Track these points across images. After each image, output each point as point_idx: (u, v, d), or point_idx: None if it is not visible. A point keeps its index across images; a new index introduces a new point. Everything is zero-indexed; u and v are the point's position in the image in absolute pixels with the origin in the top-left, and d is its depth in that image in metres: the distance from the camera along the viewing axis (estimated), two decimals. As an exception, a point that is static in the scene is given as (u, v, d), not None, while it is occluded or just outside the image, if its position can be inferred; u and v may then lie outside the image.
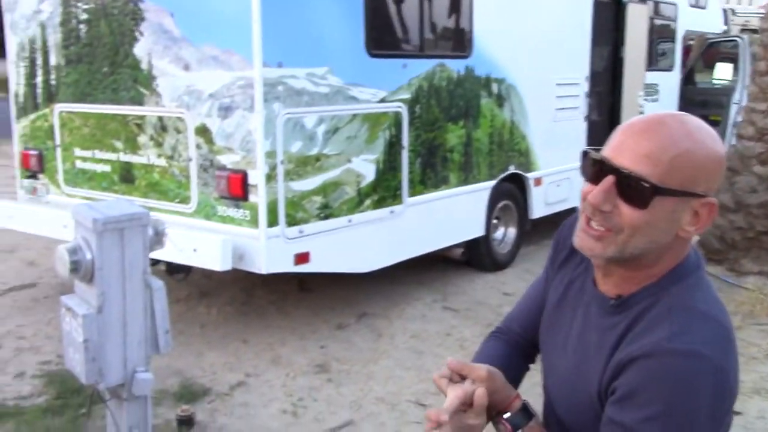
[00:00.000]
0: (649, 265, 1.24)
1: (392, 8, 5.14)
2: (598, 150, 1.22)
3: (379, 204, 5.08)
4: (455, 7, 5.65)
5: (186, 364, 4.59)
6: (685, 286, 1.22)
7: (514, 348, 1.60)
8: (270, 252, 4.40)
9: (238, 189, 4.40)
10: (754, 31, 10.35)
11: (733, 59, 9.41)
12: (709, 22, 9.91)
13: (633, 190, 1.16)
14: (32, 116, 5.62)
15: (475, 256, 6.32)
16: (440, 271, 6.34)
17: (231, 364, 4.61)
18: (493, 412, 1.38)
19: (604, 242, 1.21)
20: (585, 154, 1.24)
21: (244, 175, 4.37)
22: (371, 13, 4.88)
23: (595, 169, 1.21)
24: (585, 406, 1.27)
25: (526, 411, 1.39)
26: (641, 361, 1.14)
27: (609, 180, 1.18)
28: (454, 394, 1.32)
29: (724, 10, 11.75)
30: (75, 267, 2.59)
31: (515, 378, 1.55)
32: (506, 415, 1.38)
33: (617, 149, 1.19)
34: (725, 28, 11.16)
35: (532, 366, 1.63)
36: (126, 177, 5.06)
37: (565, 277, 1.44)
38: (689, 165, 1.16)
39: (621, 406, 1.16)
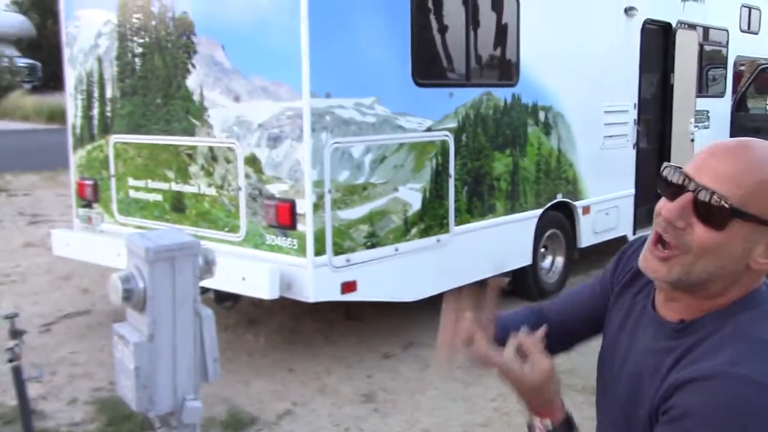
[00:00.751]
0: (715, 295, 1.19)
1: (438, 38, 5.18)
2: (679, 168, 1.19)
3: (425, 233, 5.08)
4: (501, 35, 5.66)
5: (233, 392, 4.62)
6: (754, 315, 1.18)
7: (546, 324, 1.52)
8: (317, 281, 4.43)
9: (286, 218, 4.45)
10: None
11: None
12: (762, 48, 9.75)
13: (711, 209, 1.12)
14: (88, 147, 5.79)
15: (522, 285, 6.25)
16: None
17: (278, 392, 4.62)
18: (531, 412, 1.31)
19: (669, 264, 1.17)
20: (665, 167, 1.20)
21: (292, 204, 4.42)
22: (418, 43, 4.93)
23: (674, 185, 1.17)
24: (632, 418, 1.24)
25: (569, 424, 1.30)
26: (699, 383, 1.10)
27: (687, 196, 1.14)
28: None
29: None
30: (127, 295, 2.64)
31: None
32: (546, 423, 1.29)
33: (699, 167, 1.15)
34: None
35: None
36: (177, 206, 5.16)
37: (625, 302, 1.41)
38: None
39: (672, 427, 1.12)
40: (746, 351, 1.12)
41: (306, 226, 4.38)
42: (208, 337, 3.04)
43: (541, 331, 1.33)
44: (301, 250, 4.42)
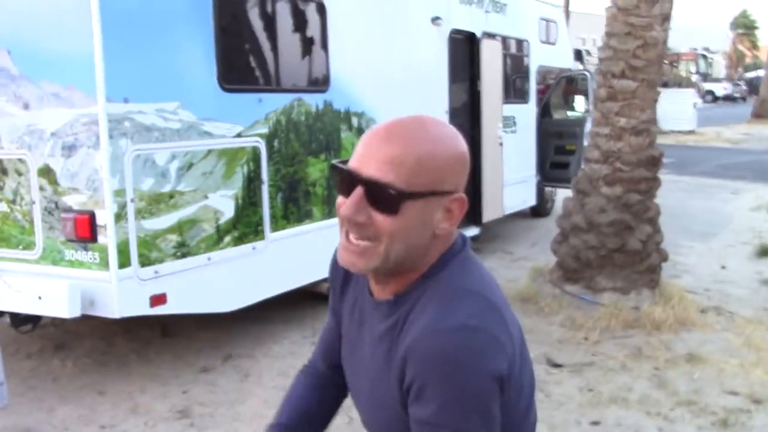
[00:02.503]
0: (416, 267, 1.24)
1: (245, 43, 5.12)
2: (345, 162, 1.21)
3: (240, 240, 4.98)
4: (309, 41, 5.68)
5: (35, 420, 4.29)
6: (450, 271, 1.23)
7: (325, 380, 1.58)
8: (123, 294, 4.21)
9: (85, 230, 4.20)
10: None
11: (581, 92, 9.97)
12: (560, 58, 10.47)
13: (382, 198, 1.15)
14: None
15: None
16: (309, 307, 6.27)
17: (85, 417, 4.34)
18: None
19: (366, 256, 1.20)
20: (333, 167, 1.23)
21: (92, 216, 4.18)
22: (223, 48, 4.83)
23: (345, 181, 1.20)
24: (393, 420, 1.24)
25: None
26: (414, 350, 1.14)
27: (358, 191, 1.17)
28: None
29: (579, 51, 12.47)
30: None
31: (329, 409, 1.57)
32: None
33: (362, 159, 1.18)
34: (581, 66, 11.83)
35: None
36: (-36, 225, 4.73)
37: (349, 301, 1.44)
38: (433, 165, 1.16)
39: (416, 404, 1.14)
40: (445, 305, 1.16)
41: (108, 238, 4.15)
42: (-11, 358, 2.81)
43: None
44: (104, 264, 4.19)
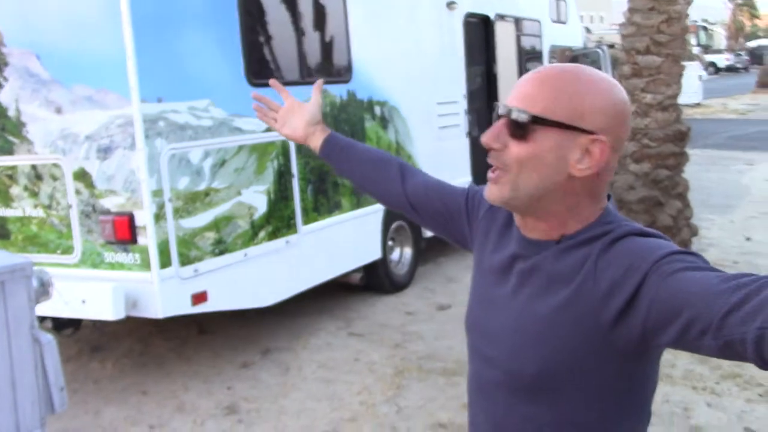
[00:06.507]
0: (562, 217, 1.24)
1: (270, 38, 5.10)
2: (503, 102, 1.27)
3: (274, 235, 4.98)
4: (331, 33, 5.67)
5: (83, 423, 4.32)
6: (624, 220, 1.24)
7: (398, 180, 1.65)
8: (165, 295, 4.22)
9: (125, 232, 4.20)
10: (610, 45, 11.00)
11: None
12: (571, 37, 10.42)
13: (516, 123, 1.20)
14: None
15: (374, 280, 6.30)
16: (341, 298, 6.28)
17: (132, 417, 4.36)
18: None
19: (499, 184, 1.23)
20: (495, 107, 1.27)
21: (131, 217, 4.18)
22: (249, 43, 4.82)
23: (495, 116, 1.27)
24: (567, 348, 1.20)
25: (329, 144, 1.74)
26: (641, 260, 1.13)
27: (501, 121, 1.23)
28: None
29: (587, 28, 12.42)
30: (-47, 327, 2.39)
31: (377, 177, 1.69)
32: (313, 147, 1.78)
33: (512, 95, 1.24)
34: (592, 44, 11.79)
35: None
36: (0, 233, 4.74)
37: (485, 236, 1.44)
38: (573, 100, 1.18)
39: (675, 275, 1.09)
40: (641, 238, 1.19)
41: (148, 239, 4.16)
42: (51, 364, 2.82)
43: (318, 83, 1.85)
44: (145, 265, 4.19)
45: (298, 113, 1.78)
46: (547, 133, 1.18)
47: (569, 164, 1.19)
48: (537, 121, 1.18)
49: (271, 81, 1.88)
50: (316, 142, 1.76)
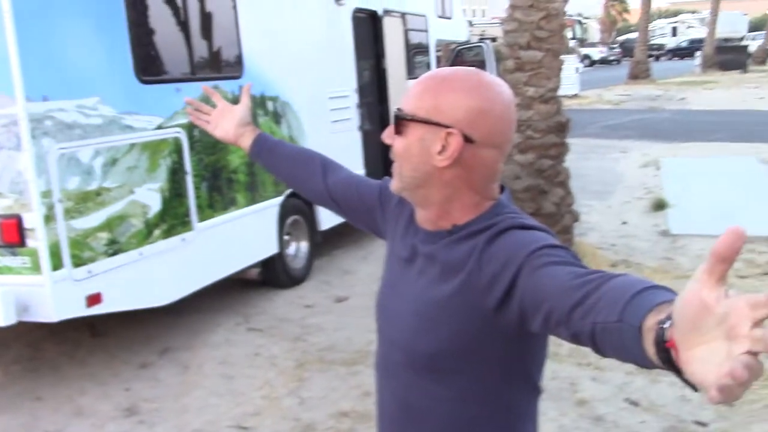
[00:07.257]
0: (446, 208, 1.37)
1: (159, 34, 5.02)
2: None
3: (169, 233, 4.93)
4: (221, 29, 5.64)
5: (-27, 434, 4.16)
6: (512, 213, 1.36)
7: (319, 173, 1.80)
8: (58, 297, 4.11)
9: (13, 235, 4.06)
10: (493, 39, 11.38)
11: (479, 64, 10.25)
12: (456, 31, 10.72)
13: (395, 119, 1.37)
14: None
15: (272, 274, 6.33)
16: (239, 293, 6.28)
17: (27, 424, 4.24)
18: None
19: (395, 176, 1.40)
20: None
21: (19, 220, 4.05)
22: (137, 39, 4.74)
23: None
24: (459, 331, 1.31)
25: (259, 143, 1.86)
26: (516, 253, 1.24)
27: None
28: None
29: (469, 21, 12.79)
30: None
31: (298, 173, 1.84)
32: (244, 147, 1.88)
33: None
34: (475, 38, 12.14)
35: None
36: None
37: (394, 224, 1.55)
38: (437, 98, 1.32)
39: (546, 269, 1.20)
40: (522, 230, 1.31)
41: (38, 241, 4.04)
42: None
43: (246, 85, 1.92)
44: (36, 267, 4.08)
45: (228, 116, 1.87)
46: (415, 127, 1.33)
47: (432, 156, 1.33)
48: (406, 117, 1.34)
49: (204, 86, 2.01)
50: (246, 143, 1.85)
